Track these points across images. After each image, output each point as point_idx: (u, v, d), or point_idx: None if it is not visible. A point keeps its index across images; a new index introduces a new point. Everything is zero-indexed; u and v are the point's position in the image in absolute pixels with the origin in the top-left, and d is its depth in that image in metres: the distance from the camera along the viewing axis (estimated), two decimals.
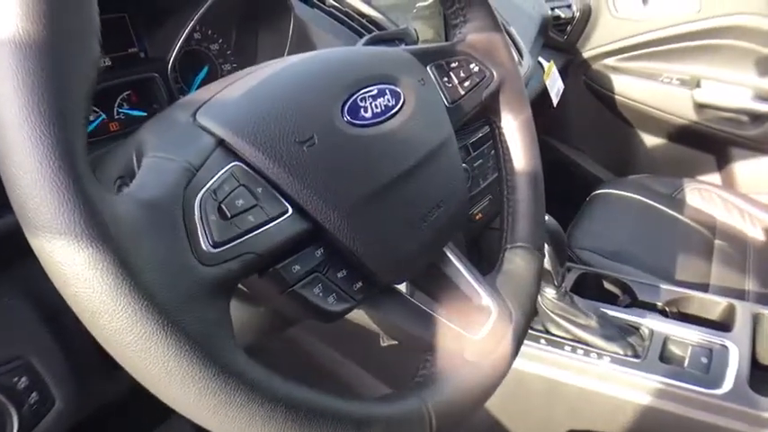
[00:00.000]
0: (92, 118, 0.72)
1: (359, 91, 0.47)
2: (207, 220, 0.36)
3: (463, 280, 0.55)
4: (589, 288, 1.16)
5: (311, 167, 0.42)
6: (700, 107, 1.80)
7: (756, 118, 1.75)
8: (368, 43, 0.70)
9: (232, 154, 0.40)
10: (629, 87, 1.90)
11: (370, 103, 0.47)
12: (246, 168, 0.40)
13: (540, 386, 0.95)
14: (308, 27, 0.83)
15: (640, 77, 1.88)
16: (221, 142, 0.40)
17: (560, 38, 1.83)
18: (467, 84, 0.61)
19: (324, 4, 0.87)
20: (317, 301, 0.43)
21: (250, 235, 0.38)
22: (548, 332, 0.99)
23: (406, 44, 0.75)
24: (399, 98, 0.50)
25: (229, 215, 0.37)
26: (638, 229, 1.48)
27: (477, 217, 1.04)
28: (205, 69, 0.85)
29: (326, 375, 1.11)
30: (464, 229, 1.02)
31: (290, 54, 0.85)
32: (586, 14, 1.86)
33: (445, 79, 0.59)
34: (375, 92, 0.48)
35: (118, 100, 0.75)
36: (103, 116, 0.73)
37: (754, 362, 0.93)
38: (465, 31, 0.64)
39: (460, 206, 0.55)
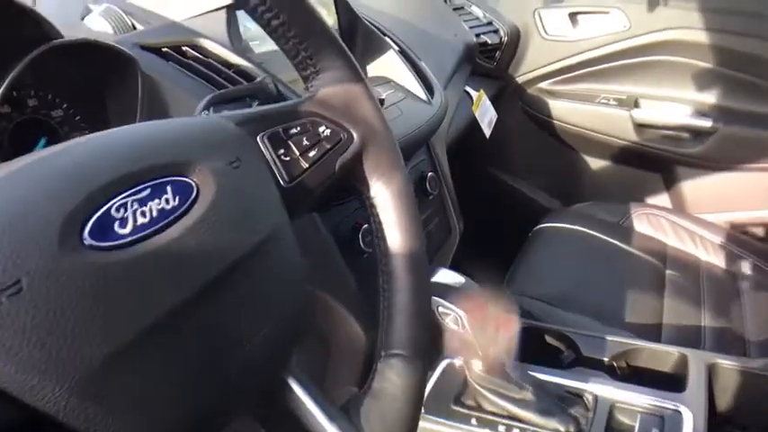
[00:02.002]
0: None
1: (117, 196, 0.34)
2: None
3: (310, 416, 0.42)
4: (529, 344, 1.04)
5: (11, 327, 0.28)
6: (640, 127, 1.72)
7: (697, 134, 1.68)
8: (208, 105, 0.58)
9: None
10: (567, 111, 1.82)
11: (135, 211, 0.34)
12: None
13: None
14: (159, 85, 0.70)
15: (577, 100, 1.80)
16: None
17: (490, 64, 1.74)
18: (312, 153, 0.48)
19: (183, 56, 0.75)
20: None
21: None
22: (480, 408, 0.86)
23: (260, 102, 0.63)
24: (189, 194, 0.37)
25: None
26: (583, 266, 1.38)
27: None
28: (43, 141, 0.72)
29: None
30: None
31: (141, 117, 0.72)
32: (515, 38, 1.78)
33: (281, 152, 0.47)
34: (147, 192, 0.35)
35: None
36: None
37: (711, 420, 0.82)
38: (316, 86, 0.52)
39: (294, 319, 0.43)
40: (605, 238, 1.47)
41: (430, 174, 0.99)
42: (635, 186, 1.83)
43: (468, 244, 1.34)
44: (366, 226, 0.83)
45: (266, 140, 0.46)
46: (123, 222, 0.34)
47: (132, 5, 0.80)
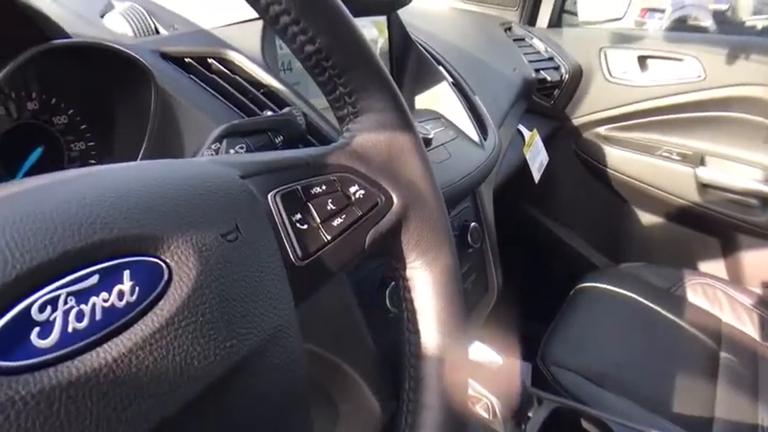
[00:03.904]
0: None
1: (42, 288, 0.23)
2: None
3: None
4: (563, 428, 0.92)
5: None
6: (703, 187, 1.57)
7: (766, 202, 1.52)
8: (220, 137, 0.47)
9: None
10: (623, 160, 1.68)
11: (67, 311, 0.24)
12: None
13: None
14: (175, 101, 0.61)
15: (637, 150, 1.66)
16: None
17: (547, 102, 1.62)
18: (338, 222, 0.37)
19: (208, 69, 0.65)
20: None
21: None
22: None
23: (284, 138, 0.52)
24: (156, 283, 0.27)
25: None
26: (628, 337, 1.24)
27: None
28: (38, 152, 0.62)
29: None
30: None
31: (151, 135, 0.62)
32: (577, 77, 1.65)
33: (298, 217, 0.36)
34: (92, 281, 0.25)
35: None
36: None
37: None
38: (353, 130, 0.41)
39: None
40: (654, 306, 1.34)
41: (473, 224, 0.87)
42: (691, 251, 1.68)
43: (503, 297, 1.22)
44: (394, 284, 0.72)
45: (279, 201, 0.35)
46: (47, 329, 0.23)
47: (158, 6, 0.70)
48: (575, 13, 1.86)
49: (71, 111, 0.65)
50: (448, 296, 0.42)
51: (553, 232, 1.80)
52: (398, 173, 0.41)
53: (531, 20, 1.77)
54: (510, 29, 1.66)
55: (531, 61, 1.51)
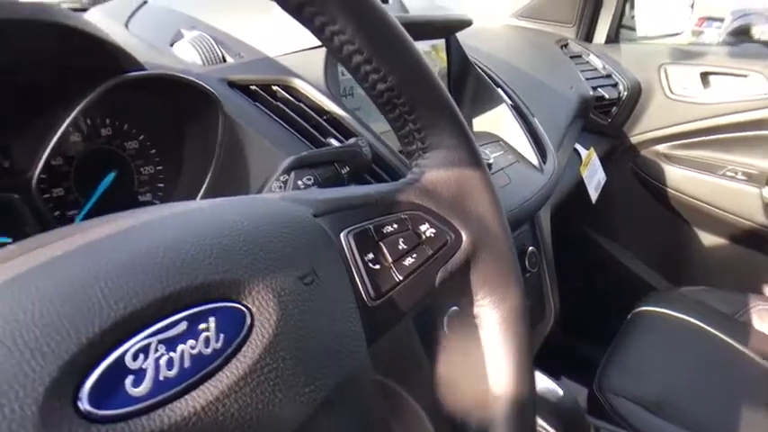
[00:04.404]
0: None
1: (135, 335, 0.24)
2: None
3: None
4: None
5: None
6: None
7: None
8: (289, 169, 0.48)
9: None
10: (684, 180, 1.63)
11: (158, 359, 0.24)
12: None
13: None
14: (242, 129, 0.62)
15: (699, 169, 1.61)
16: None
17: (604, 120, 1.59)
18: (409, 261, 0.37)
19: (273, 96, 0.66)
20: None
21: None
22: None
23: (351, 169, 0.52)
24: (239, 329, 0.27)
25: None
26: (688, 365, 1.20)
27: None
28: (111, 176, 0.65)
29: None
30: None
31: (218, 160, 0.63)
32: (635, 95, 1.62)
33: (370, 257, 0.36)
34: (180, 328, 0.25)
35: None
36: None
37: None
38: (422, 166, 0.41)
39: None
40: (716, 332, 1.28)
41: (531, 248, 0.86)
42: (756, 274, 1.61)
43: (558, 320, 1.19)
44: (455, 308, 0.71)
45: (351, 240, 0.35)
46: (140, 377, 0.24)
47: (225, 35, 0.72)
48: (633, 29, 1.82)
49: (141, 136, 0.67)
50: (516, 337, 0.42)
51: (610, 253, 1.76)
52: (468, 210, 0.41)
53: (588, 36, 1.74)
54: (566, 45, 1.63)
55: (588, 78, 1.49)
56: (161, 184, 0.69)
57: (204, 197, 0.64)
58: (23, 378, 0.21)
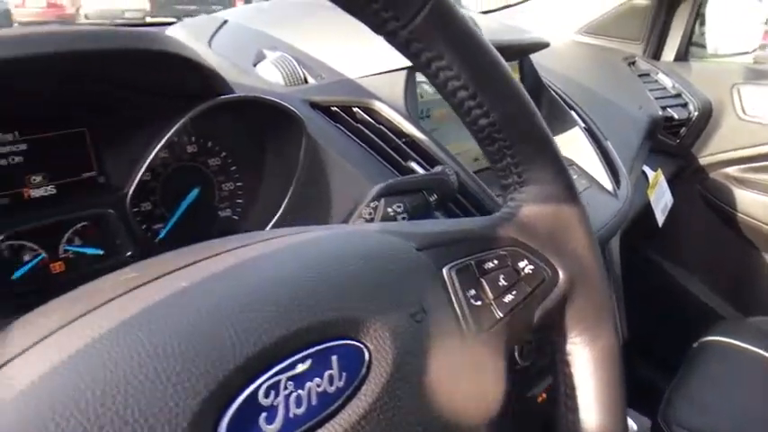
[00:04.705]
0: (26, 257, 0.54)
1: (267, 371, 0.25)
2: None
3: None
4: None
5: None
6: None
7: None
8: (378, 196, 0.49)
9: None
10: (756, 203, 1.57)
11: (288, 396, 0.25)
12: None
13: None
14: (323, 150, 0.63)
15: None
16: None
17: (672, 141, 1.54)
18: (509, 298, 0.37)
19: (353, 118, 0.67)
20: None
21: None
22: None
23: (438, 197, 0.52)
24: (359, 367, 0.28)
25: None
26: (757, 399, 1.15)
27: (540, 399, 0.77)
28: (195, 192, 0.67)
29: None
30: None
31: (299, 179, 0.65)
32: (706, 115, 1.57)
33: (472, 293, 0.36)
34: (306, 365, 0.26)
35: (67, 234, 0.57)
36: (43, 254, 0.55)
37: None
38: (519, 200, 0.41)
39: None
40: None
41: None
42: None
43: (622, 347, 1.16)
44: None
45: (454, 276, 0.35)
46: (272, 414, 0.24)
47: (307, 56, 0.74)
48: (703, 46, 1.77)
49: (223, 153, 0.69)
50: (609, 377, 0.41)
51: (676, 279, 1.70)
52: (564, 247, 0.41)
53: (656, 53, 1.70)
54: (633, 63, 1.60)
55: (657, 98, 1.45)
56: (240, 200, 0.70)
57: (283, 215, 0.65)
58: (168, 412, 0.22)
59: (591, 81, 1.26)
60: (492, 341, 0.36)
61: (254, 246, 0.32)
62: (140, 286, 0.28)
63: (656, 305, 1.69)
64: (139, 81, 0.55)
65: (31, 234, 0.54)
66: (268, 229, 0.66)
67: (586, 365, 0.41)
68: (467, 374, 0.33)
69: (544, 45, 0.84)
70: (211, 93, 0.58)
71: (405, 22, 0.33)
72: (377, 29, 0.34)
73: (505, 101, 0.37)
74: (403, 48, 0.35)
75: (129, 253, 0.60)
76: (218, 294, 0.27)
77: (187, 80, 0.56)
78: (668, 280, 1.72)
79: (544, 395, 0.80)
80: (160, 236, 0.64)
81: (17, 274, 0.54)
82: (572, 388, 0.42)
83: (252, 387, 0.24)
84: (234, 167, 0.70)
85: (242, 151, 0.69)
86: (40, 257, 0.55)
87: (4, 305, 0.52)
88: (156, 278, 0.29)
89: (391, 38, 0.35)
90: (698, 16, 1.71)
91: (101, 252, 0.59)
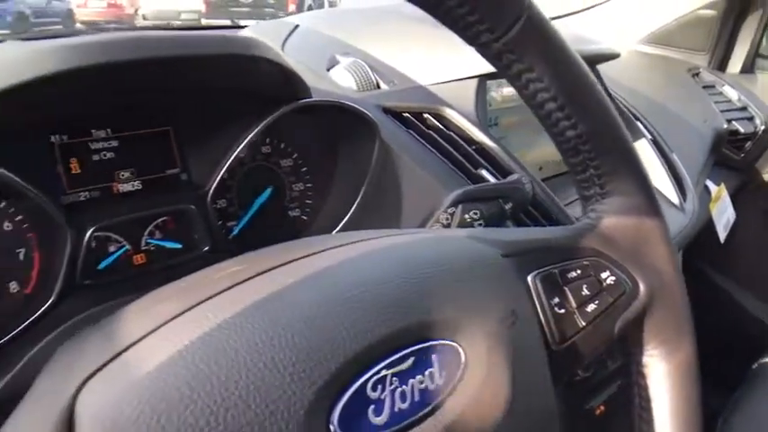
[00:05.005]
0: (111, 249, 0.57)
1: (374, 366, 0.26)
2: None
3: None
4: None
5: None
6: None
7: None
8: (455, 202, 0.50)
9: None
10: None
11: (393, 391, 0.26)
12: None
13: None
14: (395, 154, 0.64)
15: None
16: None
17: (736, 155, 1.50)
18: (591, 308, 0.38)
19: (423, 124, 0.68)
20: None
21: None
22: None
23: (513, 205, 0.53)
24: (456, 366, 0.29)
25: None
26: None
27: (598, 411, 0.76)
28: (268, 191, 0.69)
29: None
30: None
31: (370, 182, 0.66)
32: None
33: (556, 301, 0.37)
34: (408, 363, 0.27)
35: (149, 227, 0.60)
36: (127, 247, 0.58)
37: None
38: (600, 212, 0.41)
39: None
40: None
41: None
42: None
43: None
44: None
45: (539, 283, 0.36)
46: (379, 407, 0.25)
47: (380, 62, 0.75)
48: None
49: (295, 155, 0.71)
50: (686, 392, 0.41)
51: (735, 297, 1.65)
52: (645, 259, 0.41)
53: (722, 65, 1.66)
54: (698, 74, 1.57)
55: (722, 111, 1.42)
56: (309, 201, 0.72)
57: (353, 217, 0.67)
58: (287, 400, 0.24)
59: (654, 92, 1.25)
60: (573, 349, 0.36)
61: (351, 246, 0.33)
62: (248, 280, 0.30)
63: (713, 323, 1.64)
64: (227, 83, 0.57)
65: (118, 227, 0.57)
66: (336, 230, 0.68)
67: (664, 378, 0.41)
68: (549, 382, 0.34)
69: (614, 56, 0.83)
70: (293, 96, 0.60)
71: (499, 35, 0.34)
72: (470, 40, 0.35)
73: (593, 113, 0.38)
74: (494, 59, 0.36)
75: (206, 248, 0.62)
76: (324, 291, 0.28)
77: (272, 83, 0.58)
78: (727, 297, 1.67)
79: (602, 408, 0.79)
80: (233, 233, 0.67)
81: (103, 264, 0.57)
82: (647, 400, 0.42)
83: (361, 380, 0.25)
84: (304, 169, 0.72)
85: (313, 153, 0.71)
86: (123, 249, 0.58)
87: (92, 294, 0.55)
88: (262, 273, 0.31)
89: (484, 49, 0.35)
90: (766, 27, 1.66)
91: (179, 246, 0.61)
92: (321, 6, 7.60)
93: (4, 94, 0.40)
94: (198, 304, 0.28)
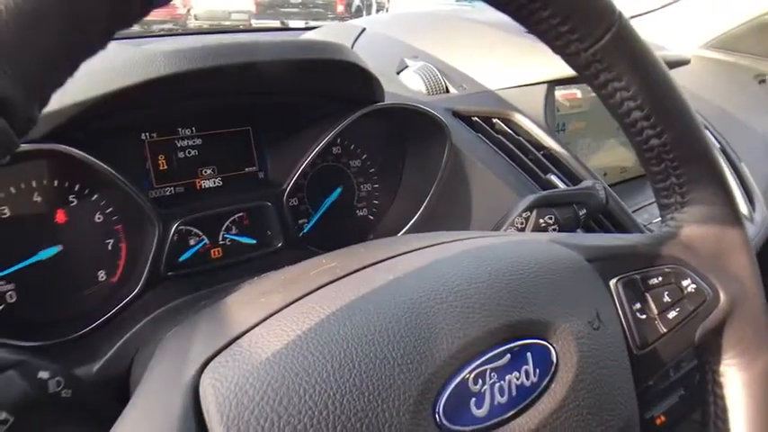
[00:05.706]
0: (191, 242, 0.60)
1: (475, 360, 0.28)
2: None
3: None
4: None
5: None
6: None
7: None
8: (531, 207, 0.51)
9: None
10: None
11: (492, 385, 0.27)
12: None
13: None
14: (463, 159, 0.65)
15: None
16: None
17: None
18: (672, 315, 0.38)
19: (492, 128, 0.69)
20: None
21: None
22: None
23: (588, 211, 0.54)
24: (549, 366, 0.30)
25: None
26: None
27: (659, 421, 0.76)
28: (338, 191, 0.71)
29: None
30: None
31: (439, 185, 0.67)
32: None
33: (637, 307, 0.37)
34: (506, 360, 0.28)
35: (227, 223, 0.62)
36: (205, 241, 0.61)
37: None
38: (680, 220, 0.42)
39: None
40: None
41: None
42: None
43: None
44: None
45: (621, 289, 0.37)
46: (480, 399, 0.27)
47: (449, 66, 0.77)
48: None
49: (364, 156, 0.73)
50: (765, 402, 0.41)
51: None
52: (726, 269, 0.41)
53: None
54: (764, 81, 1.52)
55: None
56: (377, 202, 0.74)
57: (420, 218, 0.68)
58: (397, 389, 0.25)
59: (720, 99, 1.22)
60: (653, 356, 0.37)
61: (442, 246, 0.34)
62: (348, 275, 0.32)
63: None
64: (309, 86, 0.59)
65: (199, 221, 0.59)
66: (403, 232, 0.70)
67: (742, 388, 0.41)
68: (631, 386, 0.35)
69: (685, 62, 0.83)
70: (370, 99, 0.62)
71: (589, 44, 0.35)
72: (558, 50, 0.36)
73: (678, 122, 0.38)
74: (582, 68, 0.36)
75: (279, 244, 0.64)
76: (423, 288, 0.30)
77: (352, 87, 0.59)
78: None
79: (663, 418, 0.79)
80: (304, 230, 0.69)
81: (183, 257, 0.59)
82: (724, 410, 0.42)
83: (463, 373, 0.27)
84: (372, 170, 0.73)
85: (381, 155, 0.73)
86: (202, 243, 0.61)
87: (172, 285, 0.57)
88: (360, 269, 0.32)
89: (571, 58, 0.36)
90: None
91: (253, 241, 0.64)
92: (369, 7, 7.62)
93: (118, 95, 0.43)
94: (302, 297, 0.30)
